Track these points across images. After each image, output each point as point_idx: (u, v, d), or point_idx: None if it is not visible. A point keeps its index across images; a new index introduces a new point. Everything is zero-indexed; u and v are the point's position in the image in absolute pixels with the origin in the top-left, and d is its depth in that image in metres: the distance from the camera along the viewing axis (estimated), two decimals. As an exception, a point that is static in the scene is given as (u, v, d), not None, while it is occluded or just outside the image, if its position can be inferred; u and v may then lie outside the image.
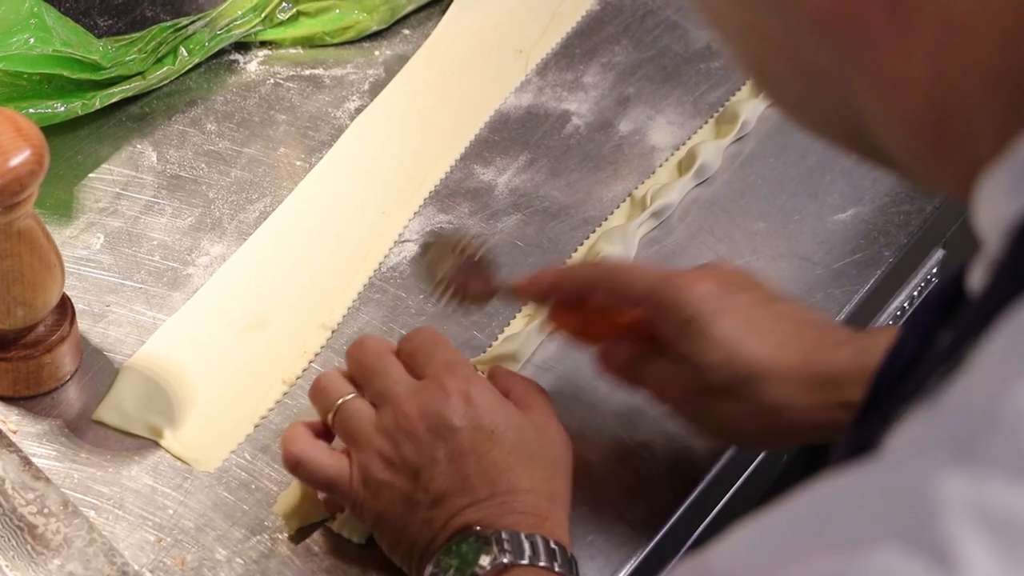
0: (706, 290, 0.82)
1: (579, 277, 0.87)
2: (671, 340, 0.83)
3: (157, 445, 0.89)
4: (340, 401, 0.83)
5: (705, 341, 0.81)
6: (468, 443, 0.80)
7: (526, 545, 0.77)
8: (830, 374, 0.81)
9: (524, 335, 0.92)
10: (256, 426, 0.90)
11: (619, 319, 0.86)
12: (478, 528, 0.78)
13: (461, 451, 0.80)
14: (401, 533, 0.81)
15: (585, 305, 0.86)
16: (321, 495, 0.85)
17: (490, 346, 0.93)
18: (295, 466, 0.83)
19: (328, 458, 0.82)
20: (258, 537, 0.85)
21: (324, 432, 0.85)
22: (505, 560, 0.76)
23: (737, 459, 0.91)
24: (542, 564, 0.77)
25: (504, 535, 0.77)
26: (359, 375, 0.84)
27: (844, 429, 0.65)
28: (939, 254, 1.07)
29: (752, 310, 0.83)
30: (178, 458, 0.88)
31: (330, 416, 0.84)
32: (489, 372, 0.87)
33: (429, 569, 0.78)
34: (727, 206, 1.01)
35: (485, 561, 0.76)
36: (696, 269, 0.86)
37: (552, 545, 0.78)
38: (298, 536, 0.85)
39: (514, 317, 0.95)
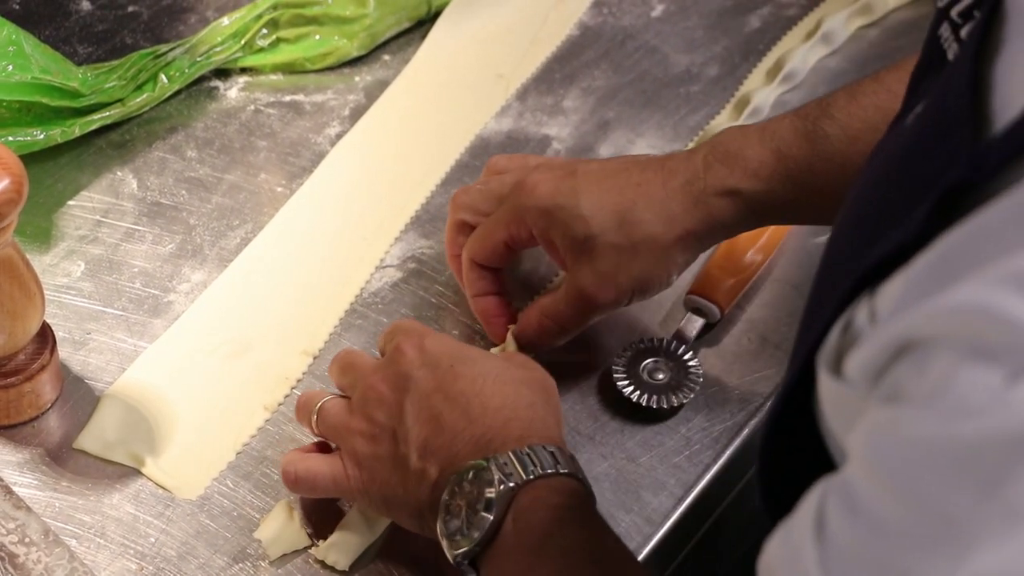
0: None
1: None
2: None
3: (139, 473, 0.89)
4: (318, 405, 0.85)
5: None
6: (430, 384, 0.81)
7: (525, 460, 0.77)
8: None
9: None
10: (238, 453, 0.90)
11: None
12: (470, 462, 0.78)
13: (425, 393, 0.81)
14: (405, 500, 0.80)
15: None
16: (305, 526, 0.85)
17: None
18: (295, 483, 0.84)
19: (321, 463, 0.84)
20: (240, 565, 0.85)
21: (316, 450, 0.86)
22: (511, 484, 0.76)
23: (736, 465, 0.91)
24: (548, 471, 0.76)
25: (500, 459, 0.77)
26: (339, 378, 0.86)
27: None
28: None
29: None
30: (160, 486, 0.88)
31: (313, 423, 0.85)
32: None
33: (440, 521, 0.78)
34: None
35: (491, 492, 0.76)
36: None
37: (549, 449, 0.77)
38: (280, 563, 0.85)
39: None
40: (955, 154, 0.55)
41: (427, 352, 0.82)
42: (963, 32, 0.63)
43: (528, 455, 0.77)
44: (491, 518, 0.75)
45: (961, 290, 0.50)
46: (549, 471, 0.76)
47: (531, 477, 0.76)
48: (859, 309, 0.58)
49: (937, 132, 0.58)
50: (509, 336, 0.91)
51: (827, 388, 0.60)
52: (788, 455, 0.67)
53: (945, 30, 0.65)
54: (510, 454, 0.77)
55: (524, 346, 0.91)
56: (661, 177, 0.87)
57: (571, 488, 0.77)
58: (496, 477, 0.76)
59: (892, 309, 0.55)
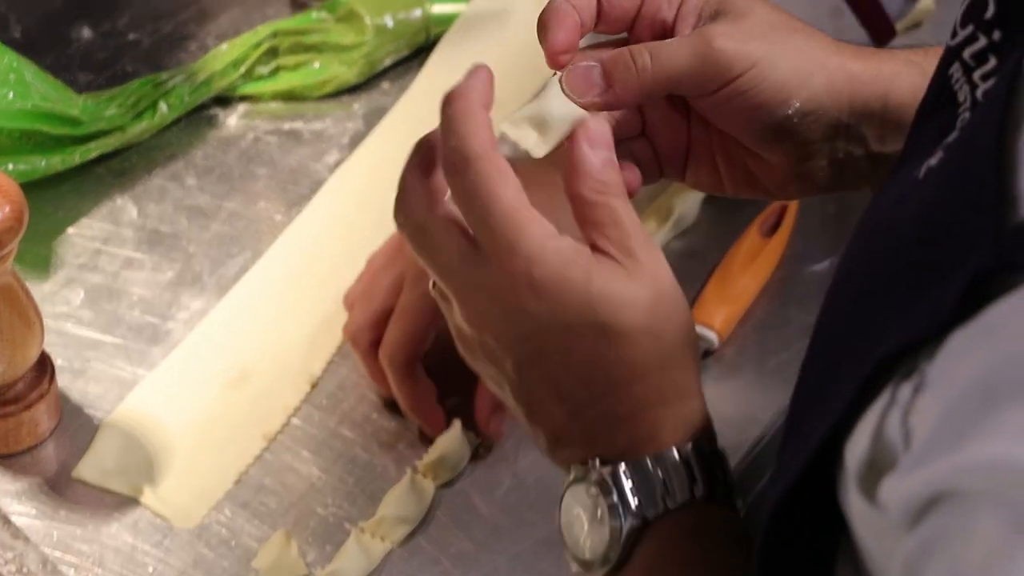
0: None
1: None
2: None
3: (137, 502, 0.89)
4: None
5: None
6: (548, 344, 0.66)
7: (650, 481, 0.65)
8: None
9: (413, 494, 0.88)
10: (236, 482, 0.90)
11: None
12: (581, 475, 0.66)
13: (541, 353, 0.66)
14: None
15: None
16: (303, 556, 0.85)
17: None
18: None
19: None
20: (238, 594, 0.85)
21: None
22: (628, 523, 0.65)
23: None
24: (679, 499, 0.65)
25: (613, 484, 0.65)
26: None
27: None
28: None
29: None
30: (158, 515, 0.88)
31: None
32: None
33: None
34: (705, 257, 1.01)
35: (613, 524, 0.65)
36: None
37: (677, 457, 0.65)
38: (278, 593, 0.85)
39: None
40: (980, 236, 0.53)
41: (541, 297, 0.66)
42: (976, 76, 0.62)
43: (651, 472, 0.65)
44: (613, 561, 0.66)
45: (997, 441, 0.48)
46: (680, 499, 0.65)
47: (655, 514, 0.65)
48: (890, 415, 0.55)
49: (959, 206, 0.56)
50: (407, 479, 0.86)
51: (860, 510, 0.57)
52: (795, 535, 0.63)
53: (956, 70, 0.63)
54: (627, 473, 0.65)
55: (572, 89, 0.72)
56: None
57: (704, 522, 0.66)
58: (610, 512, 0.65)
59: (929, 441, 0.52)
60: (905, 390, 0.55)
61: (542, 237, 0.66)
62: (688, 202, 1.03)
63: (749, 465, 0.92)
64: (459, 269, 0.68)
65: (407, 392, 0.90)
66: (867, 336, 0.58)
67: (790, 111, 0.72)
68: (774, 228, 1.01)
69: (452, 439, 0.89)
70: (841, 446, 0.59)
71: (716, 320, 0.96)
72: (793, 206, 1.02)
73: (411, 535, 0.88)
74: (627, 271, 0.67)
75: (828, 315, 0.65)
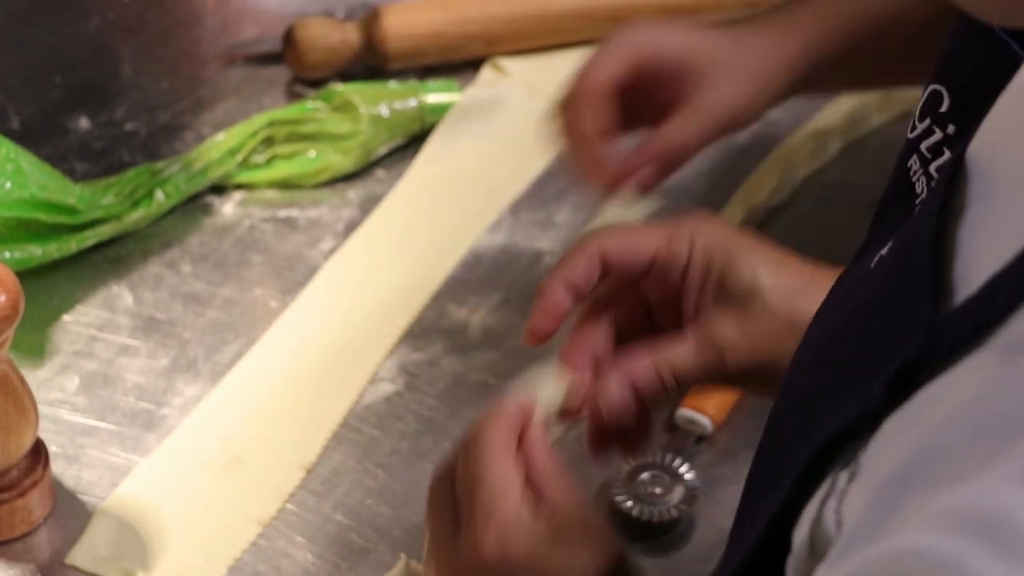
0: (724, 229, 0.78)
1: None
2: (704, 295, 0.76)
3: (131, 589, 0.89)
4: None
5: (751, 267, 0.76)
6: None
7: None
8: None
9: None
10: (230, 568, 0.90)
11: None
12: None
13: None
14: None
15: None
16: None
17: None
18: None
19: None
20: None
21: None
22: None
23: None
24: None
25: None
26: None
27: None
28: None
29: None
30: (151, 601, 0.88)
31: None
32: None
33: None
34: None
35: None
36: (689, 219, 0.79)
37: None
38: None
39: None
40: (913, 324, 0.54)
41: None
42: (932, 168, 0.63)
43: None
44: None
45: (907, 532, 0.48)
46: None
47: None
48: (828, 503, 0.56)
49: (897, 293, 0.57)
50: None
51: None
52: None
53: (914, 162, 0.64)
54: None
55: (605, 406, 0.75)
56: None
57: None
58: None
59: (852, 531, 0.53)
60: (842, 479, 0.56)
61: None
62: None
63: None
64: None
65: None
66: (810, 423, 0.59)
67: None
68: None
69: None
70: (784, 533, 0.59)
71: (709, 406, 0.96)
72: None
73: None
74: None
75: (781, 400, 0.65)
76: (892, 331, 0.56)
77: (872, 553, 0.49)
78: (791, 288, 0.76)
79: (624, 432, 0.77)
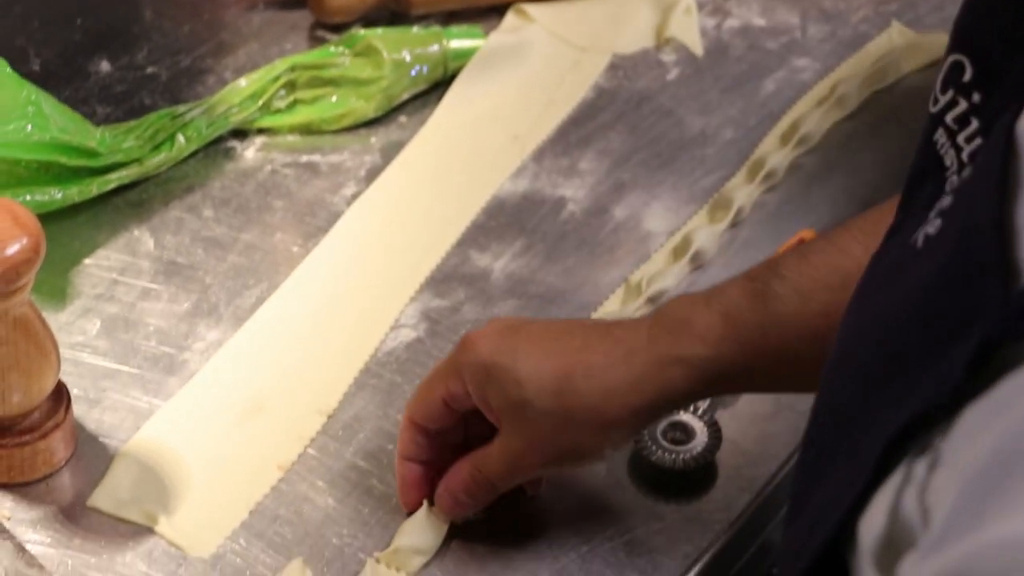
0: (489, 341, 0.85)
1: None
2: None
3: (152, 531, 0.88)
4: None
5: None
6: None
7: None
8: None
9: (428, 525, 0.88)
10: (251, 512, 0.90)
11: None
12: None
13: None
14: None
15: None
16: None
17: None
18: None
19: None
20: (253, 624, 0.85)
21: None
22: None
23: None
24: None
25: None
26: None
27: None
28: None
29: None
30: (173, 544, 0.88)
31: None
32: None
33: None
34: (723, 291, 1.02)
35: None
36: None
37: None
38: (293, 623, 0.85)
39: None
40: (985, 305, 0.53)
41: None
42: (960, 139, 0.62)
43: None
44: None
45: (1017, 518, 0.48)
46: None
47: None
48: (906, 493, 0.56)
49: (963, 276, 0.56)
50: (423, 509, 0.87)
51: None
52: None
53: (941, 136, 0.64)
54: None
55: (447, 514, 0.87)
56: (605, 346, 0.83)
57: None
58: None
59: (948, 520, 0.52)
60: (920, 467, 0.55)
61: None
62: (706, 236, 1.03)
63: (764, 501, 0.92)
64: None
65: (402, 448, 0.89)
66: (874, 410, 0.58)
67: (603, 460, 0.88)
68: None
69: (418, 523, 0.88)
70: (852, 522, 0.58)
71: None
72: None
73: (426, 566, 0.87)
74: None
75: (829, 391, 0.65)
76: (960, 311, 0.55)
77: (976, 542, 0.49)
78: (557, 385, 0.83)
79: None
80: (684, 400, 0.84)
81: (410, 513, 0.88)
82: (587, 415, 0.83)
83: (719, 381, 0.82)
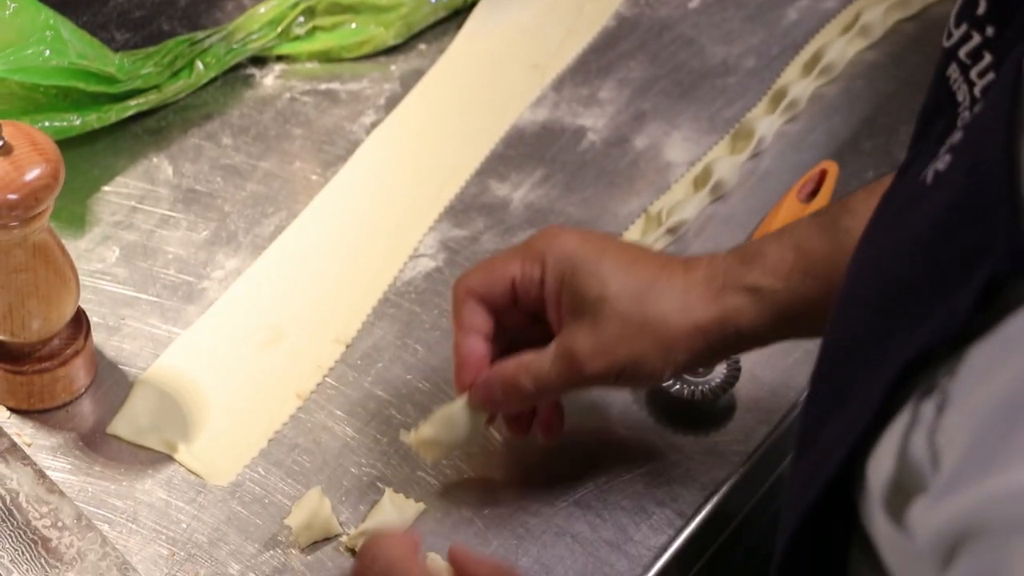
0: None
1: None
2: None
3: (171, 459, 0.89)
4: None
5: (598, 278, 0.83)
6: None
7: None
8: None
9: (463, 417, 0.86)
10: (270, 440, 0.90)
11: None
12: None
13: None
14: None
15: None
16: (336, 515, 0.85)
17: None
18: None
19: None
20: (271, 551, 0.85)
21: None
22: None
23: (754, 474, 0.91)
24: None
25: None
26: None
27: None
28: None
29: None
30: (192, 472, 0.88)
31: None
32: (451, 555, 0.78)
33: None
34: (743, 222, 1.01)
35: None
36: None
37: None
38: (311, 550, 0.85)
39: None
40: (994, 240, 0.53)
41: None
42: (973, 74, 0.62)
43: None
44: None
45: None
46: None
47: None
48: (914, 434, 0.55)
49: (972, 211, 0.56)
50: (462, 398, 0.85)
51: (885, 532, 0.57)
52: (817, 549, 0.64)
53: (954, 71, 0.63)
54: None
55: (478, 405, 0.85)
56: (682, 268, 0.84)
57: None
58: None
59: (959, 466, 0.52)
60: (928, 408, 0.55)
61: None
62: (727, 166, 1.02)
63: (782, 433, 0.92)
64: None
65: (462, 320, 0.86)
66: (882, 346, 0.58)
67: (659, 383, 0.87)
68: (813, 194, 1.01)
69: (452, 414, 0.86)
70: (860, 462, 0.58)
71: None
72: (832, 172, 1.02)
73: (444, 493, 0.87)
74: None
75: (839, 326, 0.64)
76: (968, 247, 0.54)
77: (990, 488, 0.49)
78: (638, 289, 0.82)
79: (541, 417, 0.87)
80: (750, 335, 0.83)
81: (460, 393, 0.85)
82: (659, 327, 0.82)
83: (789, 314, 0.82)
